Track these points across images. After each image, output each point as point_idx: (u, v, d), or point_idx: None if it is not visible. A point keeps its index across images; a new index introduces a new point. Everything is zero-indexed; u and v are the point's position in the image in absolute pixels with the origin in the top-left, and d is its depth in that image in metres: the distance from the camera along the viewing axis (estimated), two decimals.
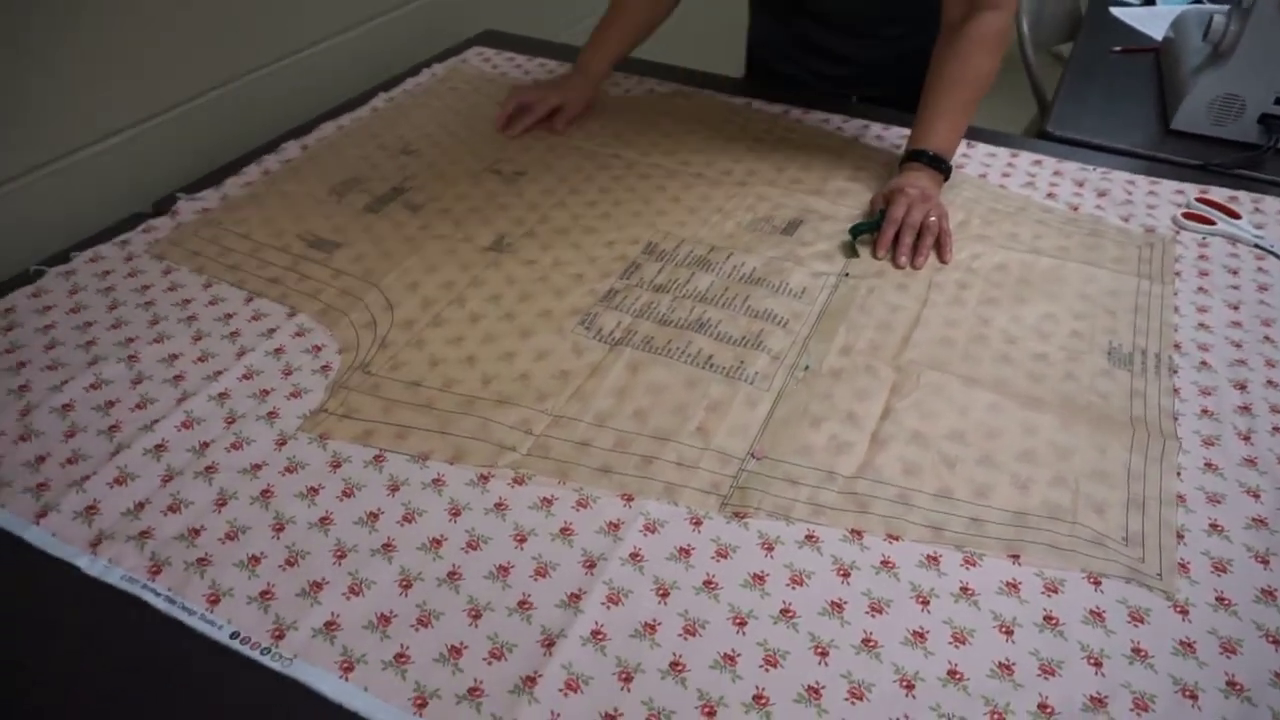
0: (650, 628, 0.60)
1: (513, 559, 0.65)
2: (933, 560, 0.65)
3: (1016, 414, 0.76)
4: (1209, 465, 0.72)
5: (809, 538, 0.66)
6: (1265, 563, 0.65)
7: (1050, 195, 1.07)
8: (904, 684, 0.57)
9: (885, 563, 0.64)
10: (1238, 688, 0.57)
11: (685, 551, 0.65)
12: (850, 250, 0.96)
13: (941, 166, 1.02)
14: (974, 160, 1.14)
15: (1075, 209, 1.04)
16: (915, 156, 1.02)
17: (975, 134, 1.20)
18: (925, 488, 0.70)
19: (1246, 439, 0.74)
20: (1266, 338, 0.85)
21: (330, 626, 0.60)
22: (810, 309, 0.87)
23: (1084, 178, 1.10)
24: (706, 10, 1.74)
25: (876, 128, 1.21)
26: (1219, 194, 1.07)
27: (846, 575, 0.64)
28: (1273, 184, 1.11)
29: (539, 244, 0.97)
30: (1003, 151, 1.16)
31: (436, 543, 0.66)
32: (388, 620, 0.60)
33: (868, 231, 0.97)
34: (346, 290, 0.90)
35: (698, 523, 0.67)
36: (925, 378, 0.79)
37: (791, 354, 0.82)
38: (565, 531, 0.66)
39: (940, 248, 0.95)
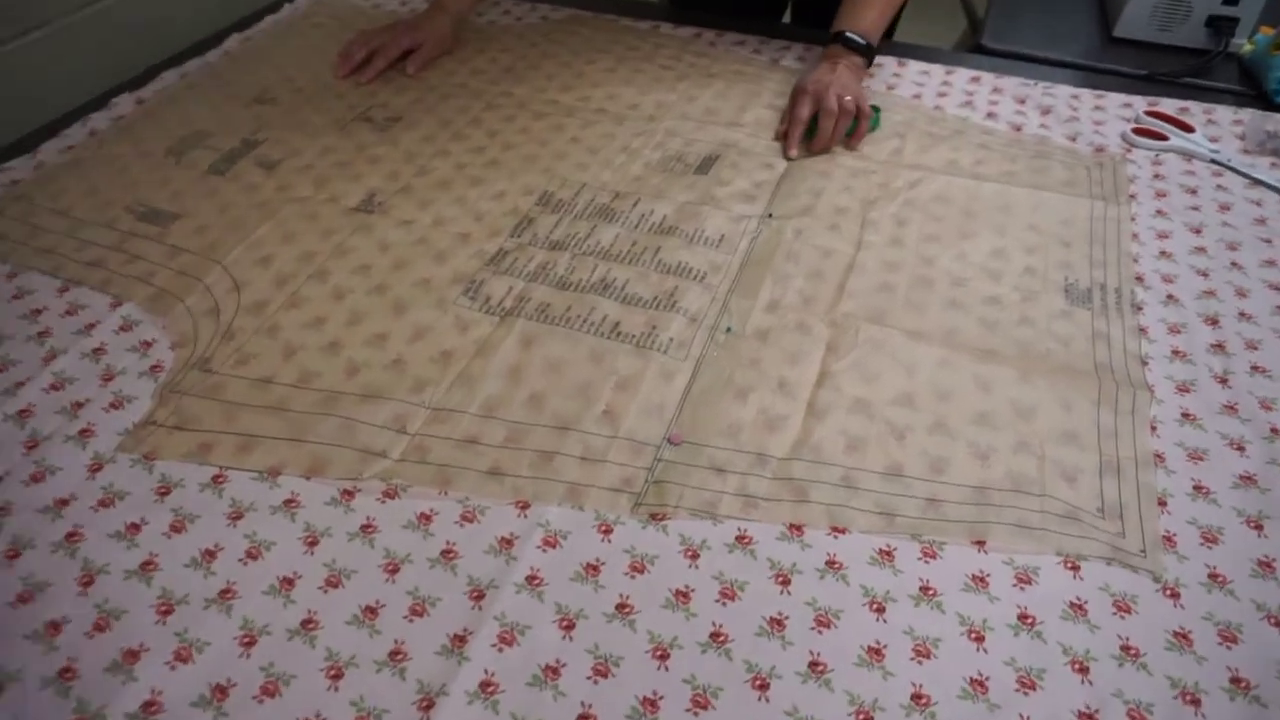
0: (552, 671, 0.49)
1: (383, 596, 0.53)
2: (886, 555, 0.55)
3: (970, 369, 0.66)
4: (1186, 416, 0.63)
5: (740, 539, 0.56)
6: (1259, 528, 0.56)
7: (990, 115, 0.97)
8: (861, 717, 0.47)
9: (831, 563, 0.54)
10: (1243, 685, 0.49)
11: (593, 569, 0.54)
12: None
13: (863, 49, 0.96)
14: (905, 80, 1.03)
15: (1018, 129, 0.94)
16: (834, 39, 0.97)
17: (906, 51, 1.08)
18: (872, 465, 0.60)
19: (1224, 382, 0.66)
20: (1233, 264, 0.77)
21: (149, 709, 0.47)
22: (730, 259, 0.76)
23: (1025, 94, 1.00)
24: None
25: (798, 48, 1.09)
26: (1169, 106, 0.98)
27: (786, 583, 0.53)
28: (1225, 92, 1.02)
29: (416, 201, 0.84)
30: (936, 69, 1.05)
31: (288, 583, 0.53)
32: (224, 692, 0.48)
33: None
34: (184, 270, 0.75)
35: (607, 530, 0.56)
36: (865, 332, 0.69)
37: (711, 314, 0.71)
38: (447, 555, 0.55)
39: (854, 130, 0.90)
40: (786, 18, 1.31)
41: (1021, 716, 0.47)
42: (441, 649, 0.50)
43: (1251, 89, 1.02)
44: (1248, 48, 1.07)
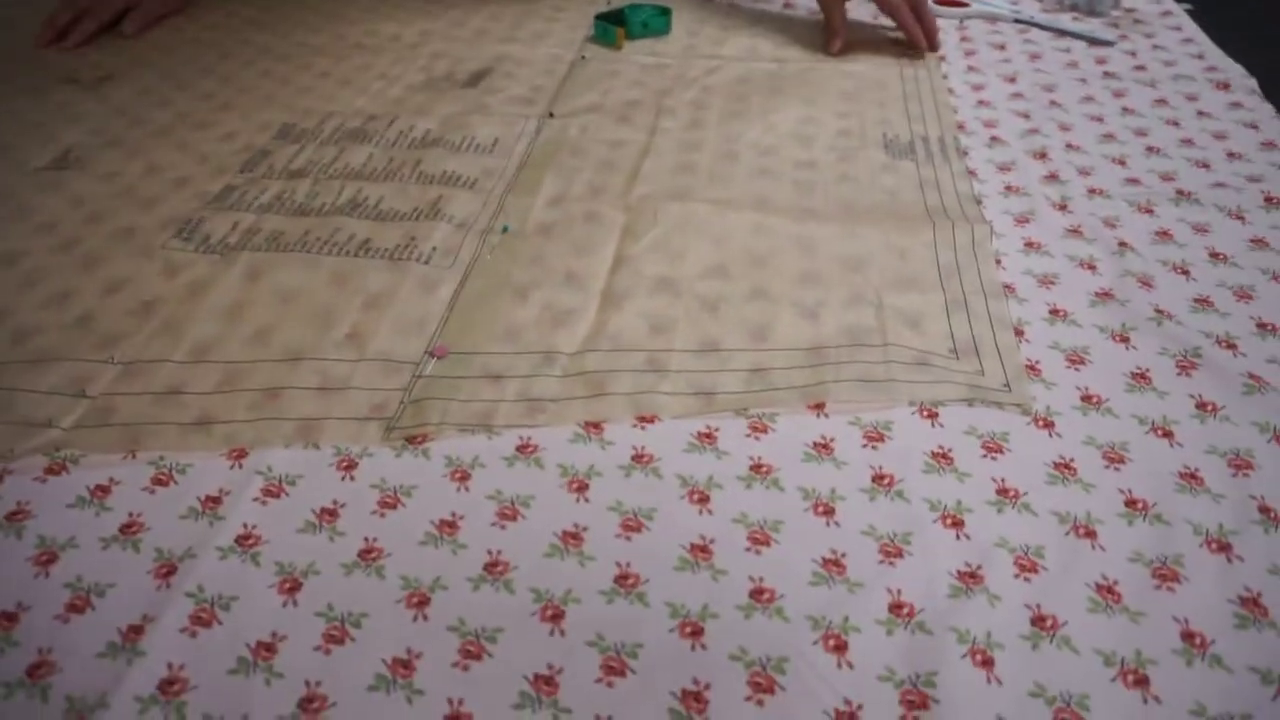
0: (265, 649, 0.35)
1: (29, 596, 0.38)
2: (706, 439, 0.44)
3: (788, 230, 0.57)
4: (1030, 245, 0.56)
5: (523, 449, 0.43)
6: (1125, 340, 0.48)
7: (788, 5, 0.89)
8: (688, 631, 0.36)
9: (638, 458, 0.43)
10: (1140, 505, 0.40)
11: (329, 514, 0.41)
12: (604, 34, 0.81)
13: None
14: None
15: (817, 13, 0.87)
16: None
17: None
18: (684, 344, 0.49)
19: (1063, 208, 0.59)
20: (1053, 102, 0.71)
21: None
22: (506, 163, 0.64)
23: None
24: None
25: None
26: None
27: (583, 489, 0.41)
28: None
29: (124, 152, 0.68)
30: None
31: None
32: None
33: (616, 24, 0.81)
34: None
35: (349, 466, 0.43)
36: (666, 211, 0.58)
37: (484, 218, 0.59)
38: (128, 530, 0.40)
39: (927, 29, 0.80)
40: None
41: (890, 591, 0.37)
42: (107, 648, 0.35)
43: None
44: None
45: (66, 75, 0.81)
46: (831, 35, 0.79)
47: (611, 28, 0.81)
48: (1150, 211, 0.58)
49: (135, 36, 0.87)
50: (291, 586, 0.38)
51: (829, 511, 0.40)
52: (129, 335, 0.51)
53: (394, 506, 0.41)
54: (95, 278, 0.55)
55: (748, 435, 0.44)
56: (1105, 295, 0.51)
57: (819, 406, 0.45)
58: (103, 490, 0.42)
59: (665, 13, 0.84)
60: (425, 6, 0.91)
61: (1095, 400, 0.45)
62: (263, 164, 0.66)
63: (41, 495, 0.42)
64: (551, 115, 0.70)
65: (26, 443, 0.44)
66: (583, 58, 0.80)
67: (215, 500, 0.41)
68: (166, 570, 0.38)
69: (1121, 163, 0.63)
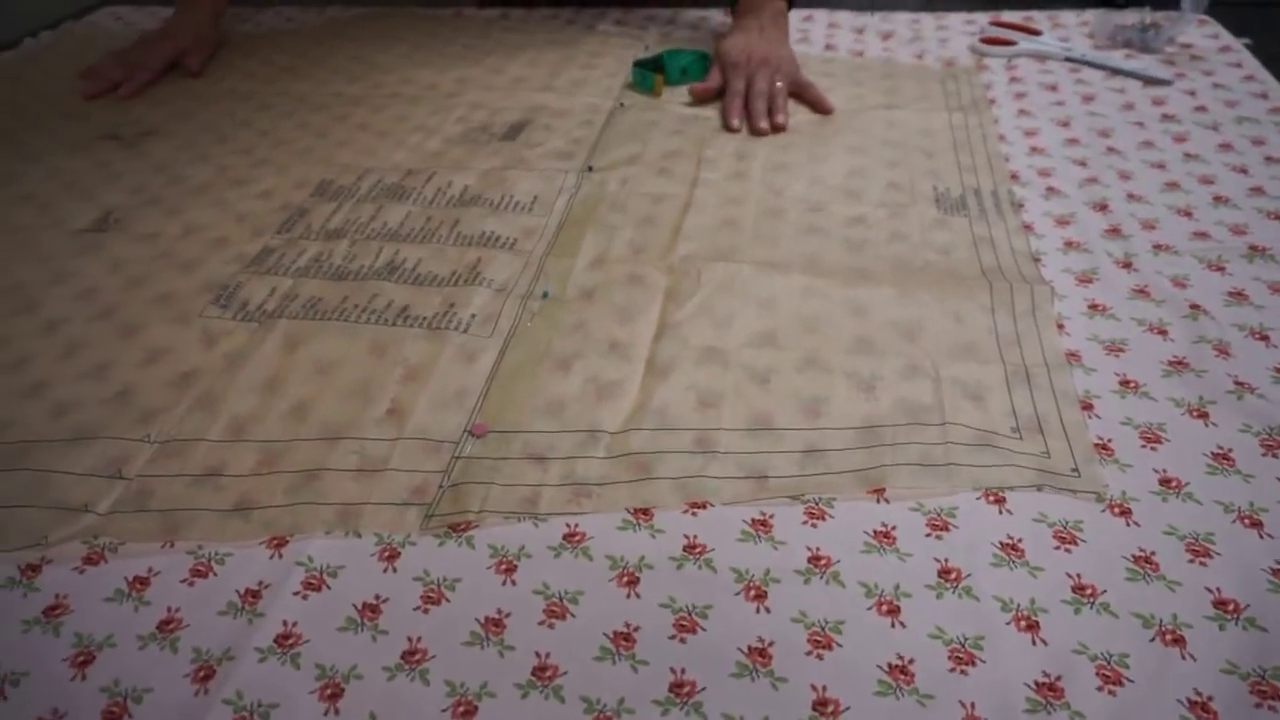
0: None
1: (65, 701, 0.37)
2: (761, 526, 0.42)
3: (839, 294, 0.55)
4: (1094, 307, 0.53)
5: (570, 538, 0.42)
6: (1203, 415, 0.46)
7: (829, 48, 0.88)
8: None
9: (691, 548, 0.41)
10: (1230, 608, 0.37)
11: (372, 610, 0.39)
12: (643, 81, 0.80)
13: None
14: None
15: (859, 55, 0.85)
16: None
17: (731, 1, 0.99)
18: (733, 421, 0.47)
19: (1128, 266, 0.56)
20: (1110, 149, 0.68)
21: None
22: (545, 222, 0.63)
23: (863, 24, 0.92)
24: None
25: (615, 13, 0.99)
26: (1013, 17, 0.91)
27: (634, 583, 0.40)
28: (1063, 1, 0.96)
29: (164, 211, 0.68)
30: None
31: None
32: None
33: (654, 70, 0.80)
34: None
35: (392, 556, 0.41)
36: (710, 273, 0.57)
37: (523, 281, 0.57)
38: (166, 628, 0.39)
39: (811, 102, 0.78)
40: None
41: (964, 705, 0.34)
42: None
43: None
44: None
45: (108, 130, 0.81)
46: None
47: (650, 74, 0.80)
48: (1222, 269, 0.55)
49: (201, 74, 0.89)
50: (333, 693, 0.36)
51: (894, 610, 0.38)
52: (167, 410, 0.50)
53: (438, 602, 0.39)
54: (134, 347, 0.55)
55: (804, 523, 0.42)
56: (1179, 364, 0.49)
57: (878, 491, 0.43)
58: (141, 582, 0.41)
59: (704, 58, 0.83)
60: (462, 53, 0.91)
61: (1175, 484, 0.42)
62: (300, 223, 0.65)
63: (80, 587, 0.41)
64: (591, 169, 0.69)
65: (63, 529, 0.43)
66: (621, 105, 0.79)
67: (255, 594, 0.40)
68: (205, 674, 0.37)
69: (1188, 214, 0.60)
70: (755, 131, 0.73)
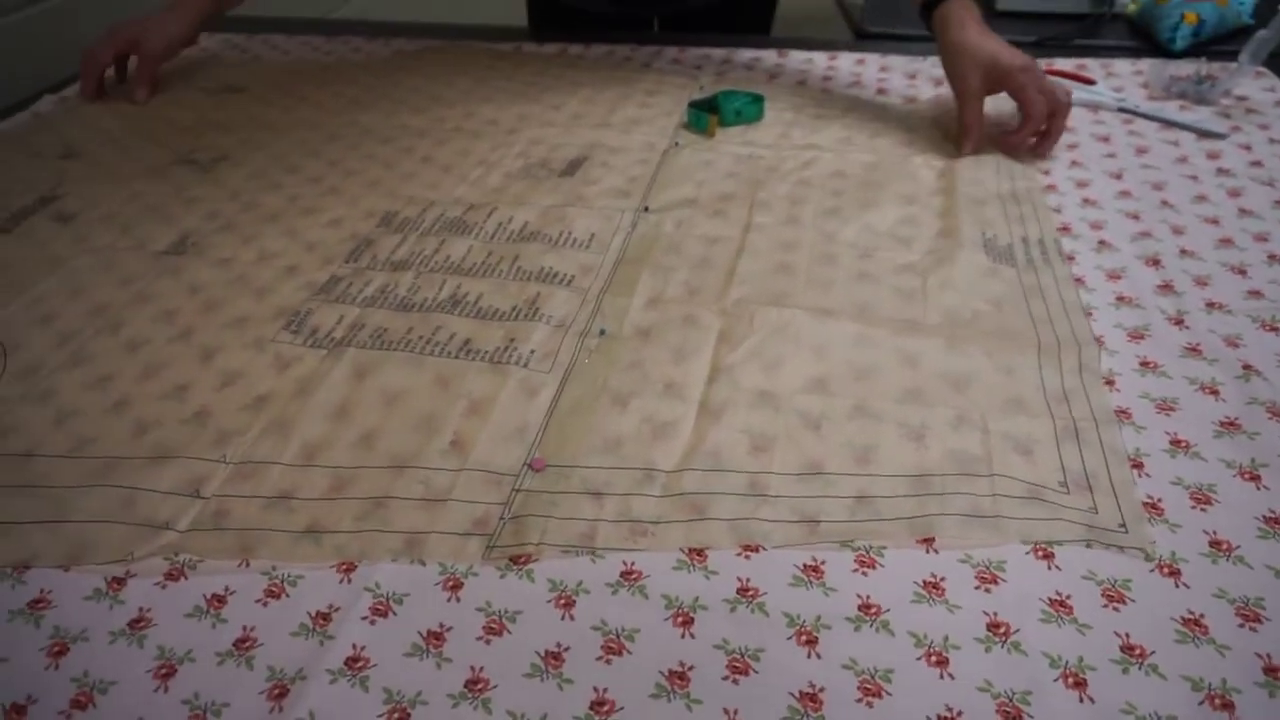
0: None
1: (150, 712, 0.39)
2: (813, 572, 0.43)
3: (890, 343, 0.56)
4: (1145, 364, 0.54)
5: (627, 575, 0.43)
6: (1255, 478, 0.46)
7: (881, 92, 0.89)
8: None
9: (744, 591, 0.42)
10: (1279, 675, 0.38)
11: (436, 638, 0.41)
12: (698, 121, 0.81)
13: None
14: (789, 70, 0.95)
15: (912, 101, 0.87)
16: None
17: (785, 43, 1.01)
18: (785, 466, 0.48)
19: (1179, 323, 0.57)
20: (1164, 202, 0.69)
21: None
22: (602, 259, 0.65)
23: (915, 69, 0.93)
24: None
25: (672, 51, 1.01)
26: (1065, 65, 0.92)
27: (688, 623, 0.41)
28: (1118, 49, 0.97)
29: (239, 237, 0.71)
30: (819, 56, 0.98)
31: (18, 711, 0.39)
32: None
33: (709, 110, 0.82)
34: None
35: (455, 586, 0.43)
36: (762, 317, 0.58)
37: (581, 318, 0.59)
38: (242, 646, 0.41)
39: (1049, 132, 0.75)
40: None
41: None
42: None
43: (1144, 43, 0.97)
44: (1132, 7, 1.03)
45: (184, 155, 0.85)
46: (965, 133, 0.75)
47: (705, 115, 0.82)
48: (1275, 330, 0.56)
49: (144, 99, 0.94)
50: (400, 717, 0.38)
51: (943, 662, 0.39)
52: (241, 432, 0.52)
53: (499, 633, 0.41)
54: (211, 370, 0.57)
55: (855, 570, 0.43)
56: (1231, 425, 0.49)
57: (928, 540, 0.44)
58: (219, 600, 0.43)
59: (758, 100, 0.85)
60: (522, 89, 0.94)
61: (1225, 547, 0.43)
62: (366, 254, 0.68)
63: (162, 602, 0.43)
64: (647, 209, 0.71)
65: (146, 545, 0.46)
66: (676, 144, 0.81)
67: (325, 617, 0.42)
68: (279, 692, 0.39)
69: (1242, 272, 0.61)
70: (1040, 154, 0.74)
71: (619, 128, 0.84)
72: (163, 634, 0.42)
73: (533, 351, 0.56)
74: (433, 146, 0.83)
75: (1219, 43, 0.95)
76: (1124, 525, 0.44)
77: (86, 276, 0.67)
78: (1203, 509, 0.45)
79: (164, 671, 0.40)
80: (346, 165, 0.81)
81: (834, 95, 0.88)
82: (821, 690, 0.38)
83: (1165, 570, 0.42)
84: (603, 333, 0.58)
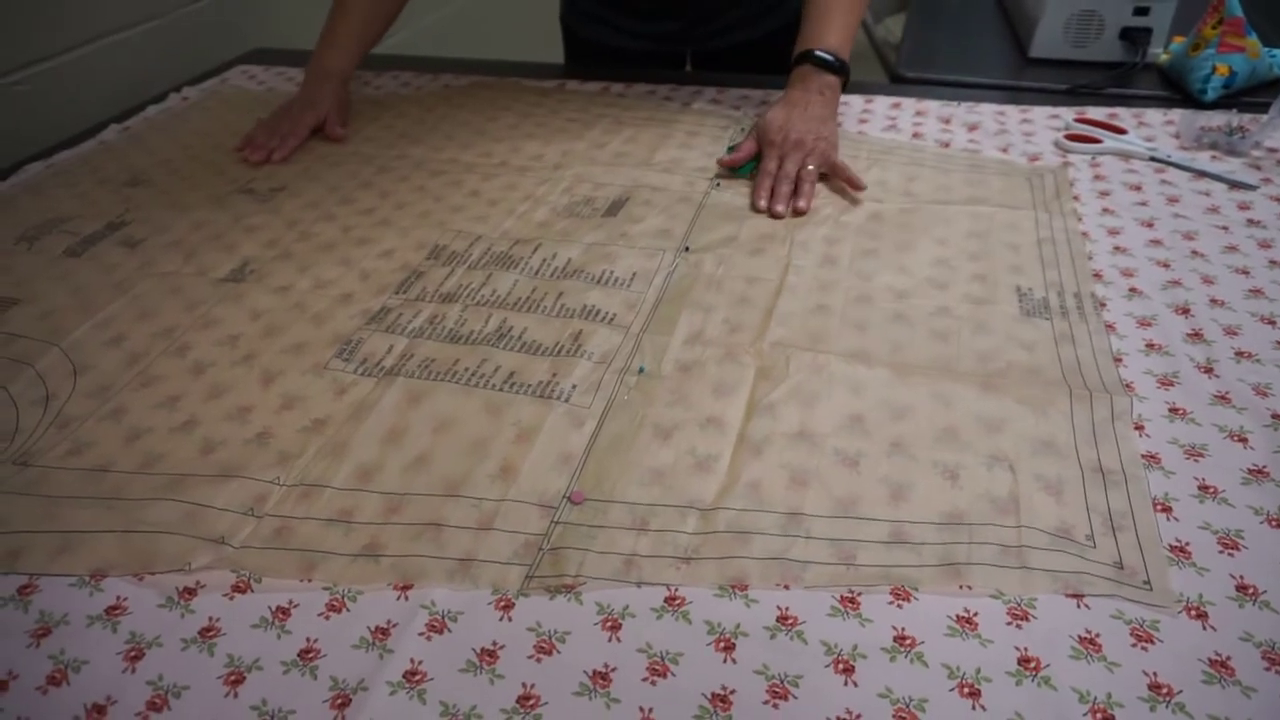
0: None
1: (222, 715, 0.41)
2: (850, 604, 0.45)
3: (925, 385, 0.58)
4: (1175, 411, 0.55)
5: (670, 600, 0.45)
6: None
7: (916, 135, 0.92)
8: None
9: (784, 619, 0.44)
10: None
11: (489, 655, 0.43)
12: (744, 169, 0.84)
13: (835, 67, 0.85)
14: None
15: (946, 145, 0.89)
16: (802, 59, 0.86)
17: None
18: (822, 503, 0.50)
19: (1209, 371, 0.58)
20: (1194, 252, 0.71)
21: None
22: (644, 297, 0.68)
23: (950, 114, 0.95)
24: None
25: (710, 91, 1.04)
26: (1097, 113, 0.94)
27: (730, 649, 0.43)
28: (1149, 99, 0.99)
29: (295, 265, 0.75)
30: (856, 99, 1.00)
31: (98, 711, 0.41)
32: None
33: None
34: (14, 358, 0.65)
35: (507, 606, 0.45)
36: (799, 359, 0.60)
37: (622, 355, 0.62)
38: (306, 656, 0.43)
39: (845, 181, 0.81)
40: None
41: None
42: None
43: (1175, 94, 0.99)
44: (1164, 57, 1.05)
45: (243, 185, 0.89)
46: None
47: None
48: None
49: (343, 139, 0.96)
50: None
51: (975, 693, 0.40)
52: (299, 455, 0.55)
53: (549, 652, 0.43)
54: (273, 394, 0.60)
55: (890, 603, 0.45)
56: (1259, 473, 0.50)
57: (966, 585, 0.46)
58: (283, 612, 0.46)
59: None
60: (565, 126, 0.97)
61: (1251, 591, 0.44)
62: (416, 285, 0.71)
63: (230, 613, 0.46)
64: (688, 249, 0.73)
65: (203, 558, 0.48)
66: (717, 185, 0.83)
67: (384, 632, 0.44)
68: (342, 701, 0.41)
69: (1271, 323, 0.62)
70: (773, 215, 0.77)
71: (661, 167, 0.87)
72: (231, 643, 0.44)
73: (574, 386, 0.59)
74: (480, 181, 0.87)
75: (1250, 94, 0.96)
76: (1148, 582, 0.45)
77: (152, 300, 0.71)
78: (1230, 554, 0.46)
79: (233, 678, 0.43)
80: (398, 197, 0.85)
81: (868, 139, 0.91)
82: (858, 717, 0.40)
83: (1193, 613, 0.43)
84: (641, 370, 0.60)
